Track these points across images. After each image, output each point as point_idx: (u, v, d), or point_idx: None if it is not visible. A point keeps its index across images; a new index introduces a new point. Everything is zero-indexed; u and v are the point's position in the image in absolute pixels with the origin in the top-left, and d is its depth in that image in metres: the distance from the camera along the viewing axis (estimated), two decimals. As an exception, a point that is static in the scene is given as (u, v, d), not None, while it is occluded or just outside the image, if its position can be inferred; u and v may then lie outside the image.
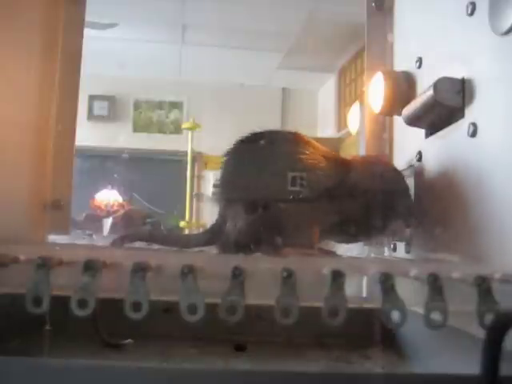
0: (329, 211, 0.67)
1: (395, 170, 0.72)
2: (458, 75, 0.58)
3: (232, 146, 0.69)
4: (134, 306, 0.36)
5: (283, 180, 0.64)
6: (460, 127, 0.58)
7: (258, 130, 0.69)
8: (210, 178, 4.23)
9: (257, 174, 0.67)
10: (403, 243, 0.73)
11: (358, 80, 3.73)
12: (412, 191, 0.70)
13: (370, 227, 0.68)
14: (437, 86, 0.58)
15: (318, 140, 0.71)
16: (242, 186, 0.67)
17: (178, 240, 0.81)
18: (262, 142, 0.68)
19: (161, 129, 4.67)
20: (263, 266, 0.40)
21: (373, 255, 0.80)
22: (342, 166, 0.69)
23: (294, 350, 0.65)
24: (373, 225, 0.68)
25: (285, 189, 0.64)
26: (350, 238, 0.73)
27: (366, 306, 0.66)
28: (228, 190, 0.69)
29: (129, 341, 0.62)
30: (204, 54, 3.90)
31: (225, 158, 0.69)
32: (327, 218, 0.67)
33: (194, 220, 3.85)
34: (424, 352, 0.59)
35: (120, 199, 3.33)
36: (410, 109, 0.68)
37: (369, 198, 0.66)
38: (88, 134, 3.66)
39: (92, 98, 4.35)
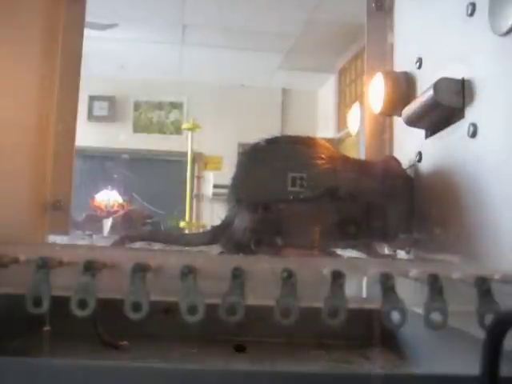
0: (344, 214, 0.67)
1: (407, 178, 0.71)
2: (458, 75, 0.58)
3: (249, 148, 0.70)
4: (134, 307, 0.36)
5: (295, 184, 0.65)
6: (460, 128, 0.58)
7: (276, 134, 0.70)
8: (210, 179, 4.23)
9: (272, 176, 0.67)
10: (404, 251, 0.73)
11: (357, 80, 3.73)
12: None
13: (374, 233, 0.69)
14: (437, 86, 0.58)
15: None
16: (256, 188, 0.68)
17: (180, 238, 0.81)
18: (278, 146, 0.68)
19: (161, 129, 4.66)
20: (263, 266, 0.40)
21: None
22: (357, 171, 0.69)
23: (294, 350, 0.65)
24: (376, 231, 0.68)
25: (298, 192, 0.65)
26: (355, 242, 0.72)
27: (366, 306, 0.66)
28: (241, 191, 0.69)
29: (125, 343, 0.62)
30: (204, 54, 3.90)
31: (240, 159, 0.70)
32: (343, 220, 0.67)
33: (194, 220, 3.85)
34: (424, 352, 0.59)
35: (120, 200, 3.33)
36: (410, 109, 0.68)
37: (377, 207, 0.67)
38: (88, 135, 3.66)
39: (92, 98, 4.35)
